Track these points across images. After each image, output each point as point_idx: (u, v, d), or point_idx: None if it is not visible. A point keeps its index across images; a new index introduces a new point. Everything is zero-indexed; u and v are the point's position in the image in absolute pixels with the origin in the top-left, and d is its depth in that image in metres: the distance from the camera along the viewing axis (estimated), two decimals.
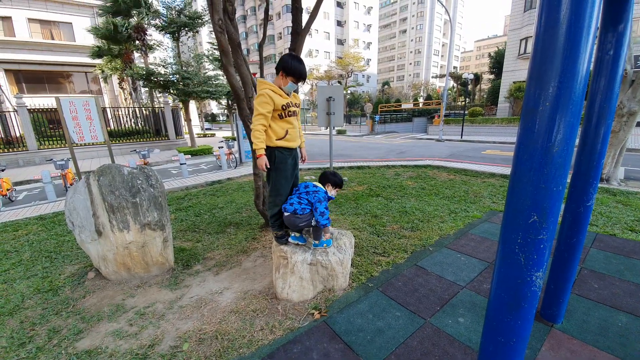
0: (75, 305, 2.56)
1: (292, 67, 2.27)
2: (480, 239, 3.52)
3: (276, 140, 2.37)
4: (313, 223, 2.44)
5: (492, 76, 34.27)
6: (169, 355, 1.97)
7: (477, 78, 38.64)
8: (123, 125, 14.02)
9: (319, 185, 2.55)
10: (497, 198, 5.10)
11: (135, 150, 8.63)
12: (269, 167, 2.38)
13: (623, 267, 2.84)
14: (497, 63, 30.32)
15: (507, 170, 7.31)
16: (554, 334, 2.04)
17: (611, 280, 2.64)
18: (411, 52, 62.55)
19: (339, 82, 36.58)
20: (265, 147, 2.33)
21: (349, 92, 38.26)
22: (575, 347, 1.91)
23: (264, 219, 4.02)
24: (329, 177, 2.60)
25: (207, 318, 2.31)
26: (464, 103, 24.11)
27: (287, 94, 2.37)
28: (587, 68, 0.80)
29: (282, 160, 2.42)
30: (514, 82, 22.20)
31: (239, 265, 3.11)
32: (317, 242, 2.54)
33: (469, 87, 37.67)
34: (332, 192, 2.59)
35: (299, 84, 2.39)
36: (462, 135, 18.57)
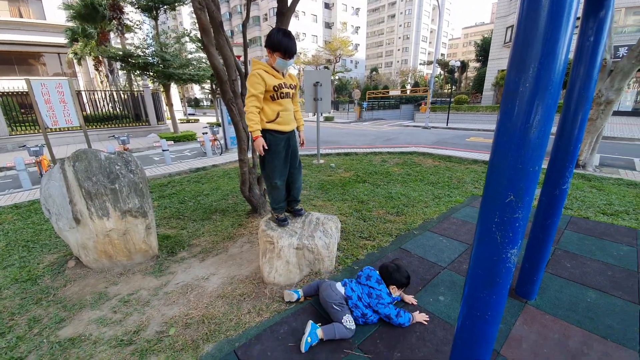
0: (55, 294, 2.49)
1: (277, 41, 2.14)
2: (462, 223, 3.64)
3: (266, 122, 2.30)
4: (344, 321, 1.93)
5: (478, 64, 34.58)
6: (155, 340, 1.96)
7: (464, 66, 38.89)
8: (100, 109, 13.36)
9: (380, 283, 2.06)
10: (479, 183, 5.25)
11: (114, 136, 8.28)
12: (266, 148, 2.32)
13: (594, 248, 3.01)
14: (483, 51, 30.56)
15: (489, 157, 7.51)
16: (528, 309, 2.16)
17: (583, 260, 2.80)
18: (399, 37, 61.98)
19: (327, 67, 35.99)
20: (260, 129, 2.26)
21: (337, 78, 37.80)
22: (547, 322, 2.04)
23: (250, 205, 3.99)
24: (393, 274, 2.06)
25: (193, 303, 2.31)
26: (450, 91, 24.33)
27: (282, 74, 2.28)
28: (567, 52, 0.81)
29: (273, 143, 2.36)
30: (499, 71, 22.52)
31: (225, 252, 3.10)
32: (320, 335, 1.88)
33: (456, 74, 37.92)
34: (396, 293, 2.08)
35: (290, 60, 2.24)
36: (447, 122, 18.82)
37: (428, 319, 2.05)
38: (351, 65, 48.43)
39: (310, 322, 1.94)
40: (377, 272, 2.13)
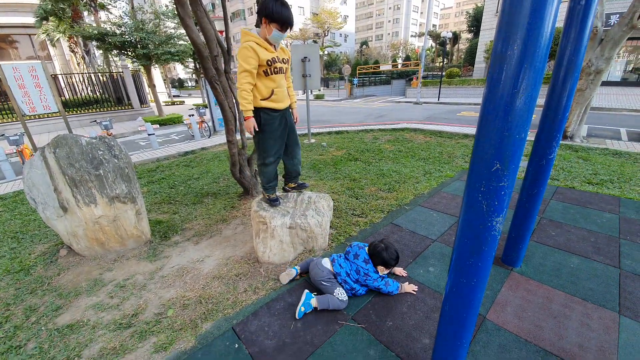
0: (50, 283, 2.49)
1: (275, 11, 1.97)
2: (452, 197, 3.70)
3: (260, 100, 2.18)
4: (336, 294, 2.00)
5: (470, 35, 33.83)
6: (154, 321, 2.00)
7: (456, 37, 38.03)
8: (79, 94, 12.76)
9: (368, 262, 2.06)
10: (469, 158, 5.29)
11: (95, 121, 7.98)
12: (257, 129, 2.24)
13: (579, 216, 3.12)
14: (475, 21, 29.80)
15: None
16: (513, 276, 2.26)
17: (567, 228, 2.90)
18: (390, 8, 59.71)
19: (315, 41, 34.74)
20: (252, 109, 2.16)
21: (326, 52, 36.61)
22: (532, 287, 2.14)
23: (242, 187, 3.97)
24: (381, 254, 2.03)
25: (189, 285, 2.34)
26: (441, 64, 23.91)
27: (274, 47, 2.14)
28: (555, 13, 0.78)
29: (268, 122, 2.27)
30: (491, 41, 22.08)
31: (219, 234, 3.11)
32: (314, 304, 1.97)
33: (448, 47, 37.14)
34: (384, 272, 2.08)
35: (286, 33, 2.10)
36: (439, 97, 18.66)
37: (417, 289, 2.13)
38: (340, 39, 46.81)
39: (306, 291, 2.03)
40: (365, 249, 2.14)
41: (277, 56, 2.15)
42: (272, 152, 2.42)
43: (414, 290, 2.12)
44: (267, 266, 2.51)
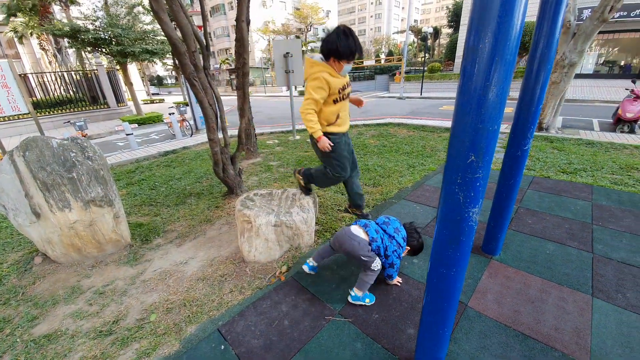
0: (25, 292, 2.37)
1: (343, 52, 1.95)
2: (434, 189, 3.77)
3: (326, 126, 2.21)
4: (373, 267, 1.91)
5: (450, 30, 34.40)
6: (136, 327, 1.94)
7: (437, 32, 38.58)
8: (51, 93, 12.13)
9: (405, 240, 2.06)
10: None
11: (69, 122, 7.61)
12: (332, 145, 2.25)
13: (554, 204, 3.25)
14: (455, 16, 30.30)
15: None
16: (493, 264, 2.33)
17: (543, 216, 3.02)
18: (372, 3, 59.80)
19: (298, 36, 34.40)
20: (320, 128, 2.20)
21: (309, 48, 36.35)
22: (510, 274, 2.21)
23: (226, 186, 3.90)
24: (415, 239, 2.08)
25: (173, 288, 2.29)
26: (423, 59, 24.22)
27: (343, 75, 2.15)
28: (525, 7, 0.79)
29: (336, 142, 2.30)
30: None
31: (203, 235, 3.05)
32: (359, 294, 1.96)
33: (429, 42, 37.65)
34: (405, 253, 2.08)
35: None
36: (421, 92, 18.92)
37: (401, 282, 2.17)
38: (323, 34, 46.54)
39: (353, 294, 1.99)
40: (402, 226, 2.10)
41: (347, 82, 2.19)
42: (344, 167, 2.43)
43: (398, 282, 2.15)
44: (253, 265, 2.48)
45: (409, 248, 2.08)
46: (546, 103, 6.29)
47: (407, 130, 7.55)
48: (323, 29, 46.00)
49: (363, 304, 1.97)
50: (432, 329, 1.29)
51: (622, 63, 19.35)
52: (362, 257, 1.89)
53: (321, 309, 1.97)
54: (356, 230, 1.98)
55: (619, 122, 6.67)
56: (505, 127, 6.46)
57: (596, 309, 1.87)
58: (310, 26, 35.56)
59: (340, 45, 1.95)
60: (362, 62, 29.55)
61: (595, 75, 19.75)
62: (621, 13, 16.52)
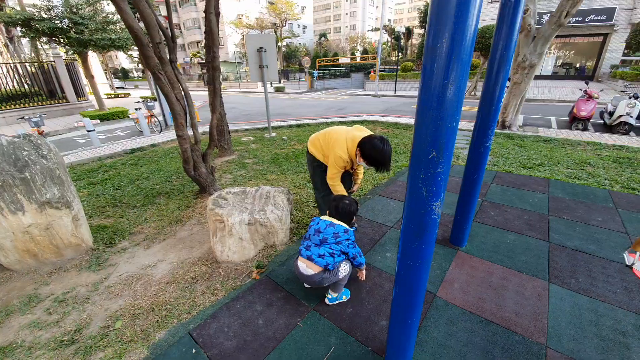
0: None
1: (369, 156, 2.17)
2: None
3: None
4: (340, 276, 1.90)
5: (422, 30, 35.42)
6: (100, 336, 1.84)
7: (409, 32, 39.58)
8: (3, 87, 11.03)
9: (339, 223, 1.91)
10: None
11: (23, 117, 6.98)
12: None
13: (514, 197, 3.46)
14: (426, 17, 31.18)
15: None
16: (459, 255, 2.45)
17: (504, 209, 3.21)
18: (347, 0, 60.10)
19: (275, 31, 33.84)
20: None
21: (284, 44, 35.92)
22: (475, 264, 2.34)
23: (197, 185, 3.76)
24: (344, 209, 1.96)
25: (140, 293, 2.18)
26: (397, 58, 24.80)
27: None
28: (479, 9, 0.83)
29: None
30: None
31: (174, 236, 2.93)
32: (335, 295, 1.98)
33: (402, 41, 38.54)
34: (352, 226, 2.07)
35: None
36: (395, 90, 19.38)
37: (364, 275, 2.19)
38: (299, 30, 46.23)
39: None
40: (324, 219, 1.94)
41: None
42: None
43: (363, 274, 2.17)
44: (227, 265, 2.43)
45: (354, 224, 2.20)
46: (508, 102, 6.68)
47: (382, 127, 7.71)
48: (298, 25, 45.68)
49: (340, 301, 2.00)
50: (402, 320, 1.34)
51: (578, 65, 20.99)
52: (326, 282, 1.88)
53: (296, 306, 1.98)
54: (305, 269, 1.88)
55: (575, 120, 7.23)
56: (471, 125, 6.78)
57: (552, 294, 2.03)
58: (285, 21, 35.11)
59: (369, 153, 2.18)
60: (338, 60, 29.67)
61: (554, 76, 21.28)
62: (577, 18, 17.88)
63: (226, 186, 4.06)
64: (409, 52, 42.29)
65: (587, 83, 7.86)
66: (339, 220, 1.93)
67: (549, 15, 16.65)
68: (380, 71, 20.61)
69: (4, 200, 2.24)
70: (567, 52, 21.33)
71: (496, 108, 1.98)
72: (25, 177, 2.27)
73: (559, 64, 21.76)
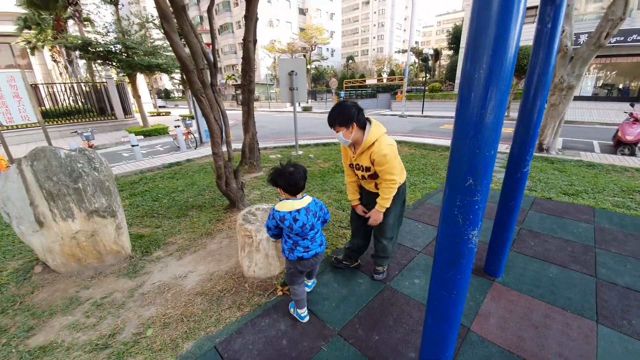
0: (22, 301, 2.35)
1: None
2: (436, 208, 3.78)
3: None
4: None
5: (450, 52, 35.32)
6: (132, 342, 1.92)
7: (437, 54, 39.62)
8: (60, 103, 12.41)
9: (306, 198, 1.80)
10: None
11: (76, 132, 7.76)
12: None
13: (556, 226, 3.23)
14: (455, 39, 31.19)
15: None
16: (495, 286, 2.30)
17: (545, 238, 3.00)
18: (374, 25, 61.79)
19: (304, 55, 35.38)
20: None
21: (313, 66, 37.30)
22: (513, 297, 2.18)
23: (228, 200, 3.92)
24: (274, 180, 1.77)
25: (171, 302, 2.27)
26: (424, 79, 24.78)
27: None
28: (518, 38, 0.84)
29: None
30: None
31: (204, 248, 3.04)
32: (312, 281, 2.33)
33: (430, 62, 38.59)
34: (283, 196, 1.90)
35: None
36: (422, 110, 19.22)
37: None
38: (327, 54, 47.90)
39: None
40: (296, 207, 1.73)
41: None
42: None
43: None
44: (253, 281, 2.46)
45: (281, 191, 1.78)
46: (546, 124, 6.37)
47: (409, 148, 7.63)
48: (327, 49, 47.41)
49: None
50: (434, 354, 1.27)
51: (620, 86, 19.69)
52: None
53: (321, 329, 1.94)
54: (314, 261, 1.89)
55: (620, 145, 6.72)
56: (505, 147, 6.52)
57: (601, 337, 1.83)
58: (315, 46, 36.62)
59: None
60: (365, 81, 30.18)
61: (594, 97, 20.05)
62: (618, 38, 16.97)
63: (254, 202, 4.18)
64: (436, 72, 42.13)
65: (632, 105, 7.34)
66: (300, 193, 1.76)
67: (586, 35, 16.03)
68: (407, 92, 20.66)
69: (58, 208, 2.48)
70: (609, 72, 20.13)
71: (534, 133, 1.91)
72: (78, 187, 2.50)
73: (600, 84, 20.53)
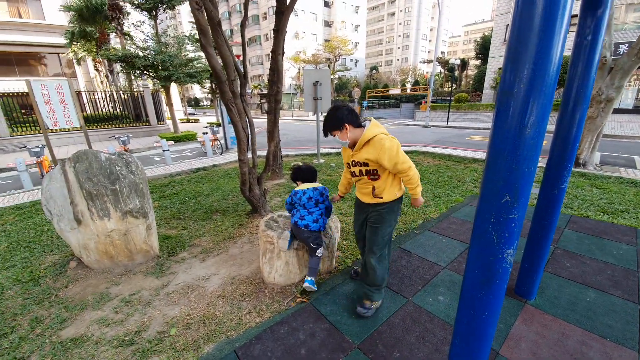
0: (57, 294, 2.51)
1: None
2: (461, 222, 3.64)
3: (397, 191, 2.05)
4: (318, 253, 2.43)
5: (478, 62, 34.47)
6: (156, 340, 1.98)
7: (464, 64, 38.79)
8: (100, 110, 13.38)
9: (315, 184, 2.56)
10: (479, 183, 5.25)
11: (114, 136, 8.29)
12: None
13: (594, 247, 3.01)
14: (483, 49, 30.43)
15: None
16: (527, 309, 2.17)
17: (582, 259, 2.80)
18: (399, 36, 61.75)
19: (329, 65, 35.90)
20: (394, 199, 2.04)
21: (336, 76, 37.72)
22: (547, 321, 2.04)
23: (250, 205, 4.00)
24: (305, 173, 2.59)
25: (194, 303, 2.33)
26: (450, 89, 24.28)
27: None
28: (561, 52, 0.81)
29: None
30: (499, 68, 22.39)
31: (226, 252, 3.11)
32: (311, 278, 2.40)
33: (456, 72, 37.82)
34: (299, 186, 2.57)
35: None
36: (448, 121, 18.78)
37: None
38: (351, 64, 48.30)
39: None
40: (304, 187, 2.47)
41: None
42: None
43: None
44: (272, 287, 2.48)
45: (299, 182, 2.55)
46: (583, 138, 6.02)
47: (433, 159, 7.46)
48: (351, 59, 47.84)
49: (313, 285, 2.35)
50: None
51: None
52: (317, 240, 2.39)
53: (340, 341, 1.91)
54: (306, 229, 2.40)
55: None
56: (539, 161, 6.20)
57: None
58: (339, 56, 37.09)
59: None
60: (388, 91, 30.06)
61: (636, 110, 18.69)
62: None
63: (275, 208, 4.23)
64: (463, 83, 41.18)
65: None
66: (312, 181, 2.52)
67: (627, 45, 15.09)
68: (432, 102, 20.30)
69: (95, 207, 2.64)
70: None
71: (573, 148, 1.82)
72: (115, 189, 2.66)
73: None
